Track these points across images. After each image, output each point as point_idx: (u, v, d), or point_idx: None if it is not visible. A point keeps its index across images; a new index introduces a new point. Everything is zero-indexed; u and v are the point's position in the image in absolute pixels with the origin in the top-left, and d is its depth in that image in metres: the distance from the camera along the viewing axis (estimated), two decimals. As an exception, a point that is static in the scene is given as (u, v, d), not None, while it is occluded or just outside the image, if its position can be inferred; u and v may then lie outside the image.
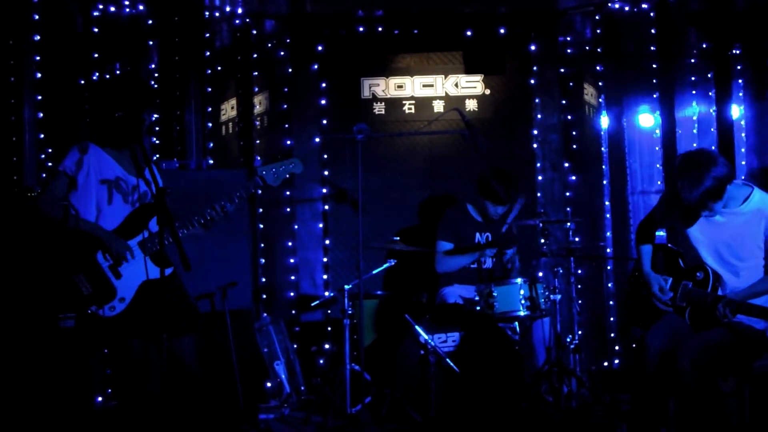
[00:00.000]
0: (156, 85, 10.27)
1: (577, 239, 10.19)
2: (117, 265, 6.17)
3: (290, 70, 10.54)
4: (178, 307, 6.42)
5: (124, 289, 6.17)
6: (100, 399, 8.95)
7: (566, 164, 10.67)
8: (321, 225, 10.50)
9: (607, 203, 10.97)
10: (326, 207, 10.48)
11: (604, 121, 11.03)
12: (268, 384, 9.42)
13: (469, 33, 10.61)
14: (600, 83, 11.04)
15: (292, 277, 10.43)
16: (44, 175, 9.25)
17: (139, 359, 6.30)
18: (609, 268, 10.58)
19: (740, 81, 10.90)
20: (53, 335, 7.62)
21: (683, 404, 6.19)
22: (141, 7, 10.07)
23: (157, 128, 10.19)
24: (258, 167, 6.58)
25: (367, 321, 8.82)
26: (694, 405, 6.06)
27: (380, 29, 10.59)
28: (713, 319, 6.27)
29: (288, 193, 10.38)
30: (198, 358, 6.49)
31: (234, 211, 6.55)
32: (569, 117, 10.73)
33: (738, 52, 10.86)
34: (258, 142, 10.60)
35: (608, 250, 10.83)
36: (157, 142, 10.20)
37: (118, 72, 9.97)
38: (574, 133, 10.70)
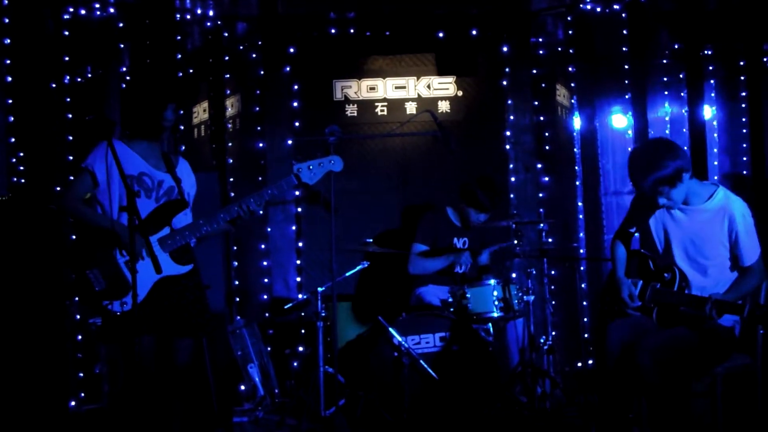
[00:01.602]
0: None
1: (550, 240, 10.16)
2: (133, 262, 6.10)
3: (262, 72, 10.52)
4: (192, 306, 6.37)
5: (138, 286, 6.09)
6: (73, 403, 8.92)
7: (539, 165, 10.69)
8: (294, 227, 10.48)
9: (579, 204, 10.98)
10: (299, 209, 10.47)
11: (577, 122, 11.05)
12: (242, 387, 9.41)
13: (441, 34, 10.62)
14: (572, 84, 11.06)
15: (266, 280, 10.41)
16: (14, 179, 9.20)
17: (146, 357, 6.25)
18: (582, 268, 10.59)
19: (712, 81, 10.94)
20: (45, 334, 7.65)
21: (650, 404, 6.17)
22: (112, 10, 10.01)
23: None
24: (294, 164, 6.49)
25: (341, 323, 8.79)
26: (657, 404, 6.05)
27: (352, 31, 10.57)
28: (679, 319, 6.27)
29: (260, 195, 10.35)
30: (191, 363, 6.45)
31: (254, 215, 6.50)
32: (542, 118, 10.75)
33: (710, 52, 10.90)
34: (230, 144, 10.58)
35: (581, 251, 10.84)
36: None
37: (89, 75, 9.94)
38: (546, 134, 10.72)
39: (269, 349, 9.90)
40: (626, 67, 10.84)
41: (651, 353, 5.99)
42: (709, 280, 6.30)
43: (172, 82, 7.23)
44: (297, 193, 10.38)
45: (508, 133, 10.69)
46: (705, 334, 6.19)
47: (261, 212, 6.46)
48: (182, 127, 10.51)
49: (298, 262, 10.48)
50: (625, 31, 10.78)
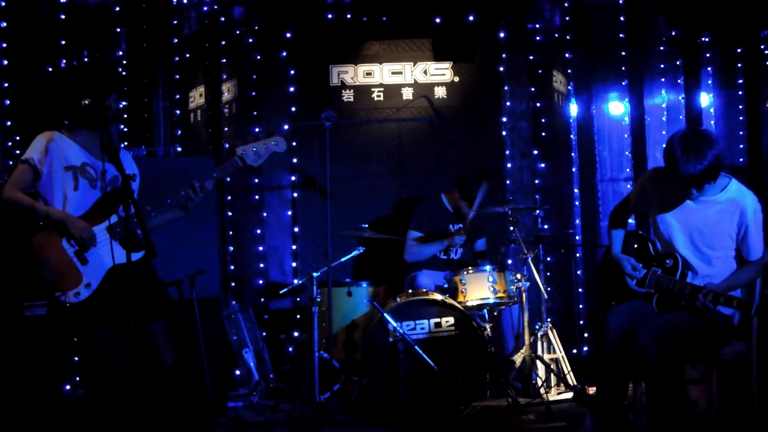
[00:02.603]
0: (124, 72, 10.25)
1: (546, 226, 10.21)
2: (83, 251, 6.08)
3: (258, 57, 10.50)
4: (150, 293, 6.28)
5: (90, 275, 6.05)
6: (68, 387, 8.91)
7: (535, 152, 10.68)
8: (290, 212, 10.46)
9: (576, 190, 10.99)
10: (295, 194, 10.45)
11: (573, 109, 11.06)
12: (237, 372, 9.41)
13: (438, 20, 10.60)
14: (569, 71, 11.06)
15: (261, 265, 10.40)
16: (11, 162, 9.20)
17: (107, 348, 6.22)
18: (578, 255, 10.59)
19: (709, 69, 10.93)
20: (22, 324, 7.58)
21: (649, 387, 6.15)
22: (108, -6, 10.03)
23: (125, 115, 10.15)
24: (238, 147, 6.50)
25: (336, 308, 8.79)
26: (655, 389, 6.03)
27: (349, 16, 10.55)
28: (680, 305, 6.27)
29: (256, 180, 10.35)
30: (172, 344, 6.41)
31: (203, 197, 6.46)
32: (538, 104, 10.73)
33: (707, 39, 10.89)
34: (226, 129, 10.57)
35: (577, 238, 10.84)
36: (125, 129, 10.16)
37: (85, 59, 9.92)
38: (543, 120, 10.71)
39: (264, 334, 9.91)
40: (623, 53, 10.85)
41: (653, 335, 5.96)
42: (713, 269, 6.27)
43: (112, 72, 7.17)
44: (293, 178, 10.37)
45: (504, 119, 10.67)
46: (706, 320, 6.18)
47: (210, 187, 6.40)
48: (178, 112, 10.51)
49: (294, 247, 10.47)
50: (622, 18, 10.79)
